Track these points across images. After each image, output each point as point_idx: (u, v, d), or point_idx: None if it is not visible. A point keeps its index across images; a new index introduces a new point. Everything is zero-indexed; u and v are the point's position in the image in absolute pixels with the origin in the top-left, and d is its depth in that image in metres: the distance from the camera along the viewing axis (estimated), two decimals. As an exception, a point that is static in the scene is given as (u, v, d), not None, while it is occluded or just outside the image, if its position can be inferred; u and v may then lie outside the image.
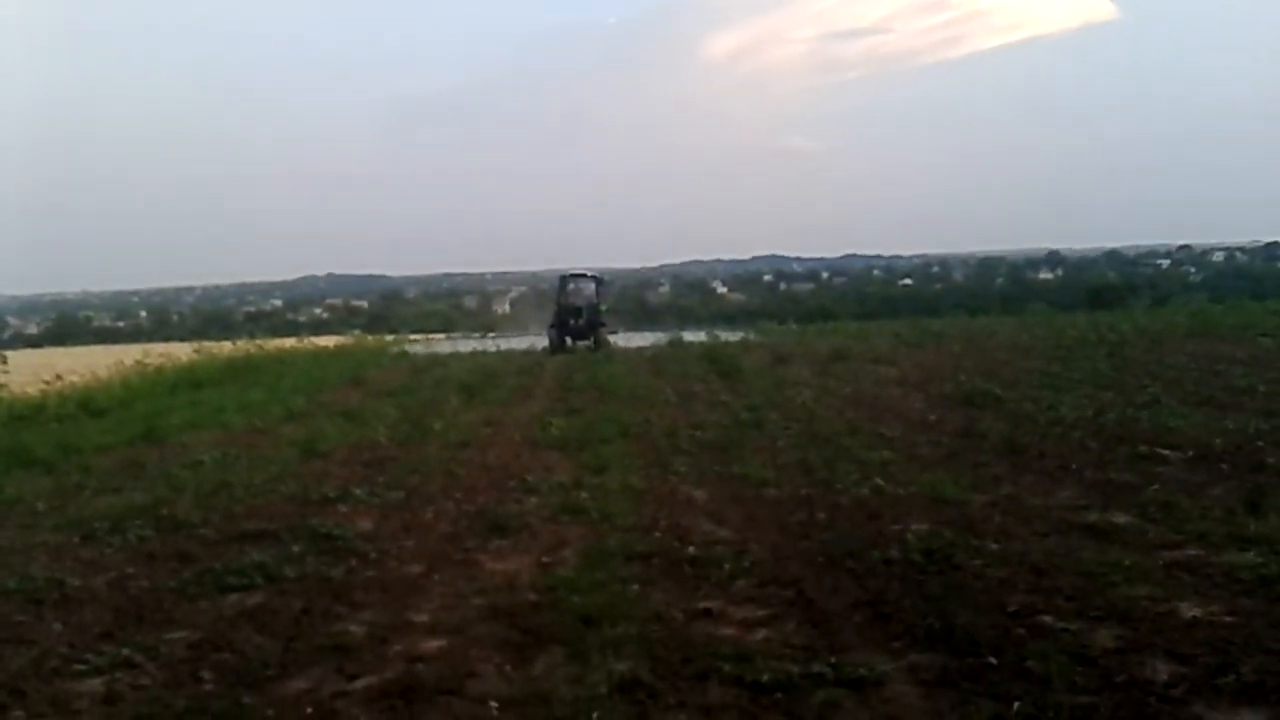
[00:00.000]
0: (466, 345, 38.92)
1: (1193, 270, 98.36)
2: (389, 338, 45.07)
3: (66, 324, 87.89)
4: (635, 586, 7.05)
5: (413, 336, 46.17)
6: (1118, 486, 9.66)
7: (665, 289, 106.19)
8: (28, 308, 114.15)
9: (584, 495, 10.07)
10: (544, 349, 34.03)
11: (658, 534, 8.54)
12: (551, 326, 35.95)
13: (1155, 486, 9.48)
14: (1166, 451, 10.97)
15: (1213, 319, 32.69)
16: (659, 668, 5.55)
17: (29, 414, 17.73)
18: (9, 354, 19.81)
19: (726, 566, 7.47)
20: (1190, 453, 10.91)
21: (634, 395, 18.51)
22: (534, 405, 18.37)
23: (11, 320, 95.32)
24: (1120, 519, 8.45)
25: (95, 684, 5.71)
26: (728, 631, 6.20)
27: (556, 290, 38.14)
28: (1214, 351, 22.30)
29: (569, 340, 34.92)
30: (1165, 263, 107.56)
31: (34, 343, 64.32)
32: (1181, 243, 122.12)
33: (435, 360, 30.85)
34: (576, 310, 35.56)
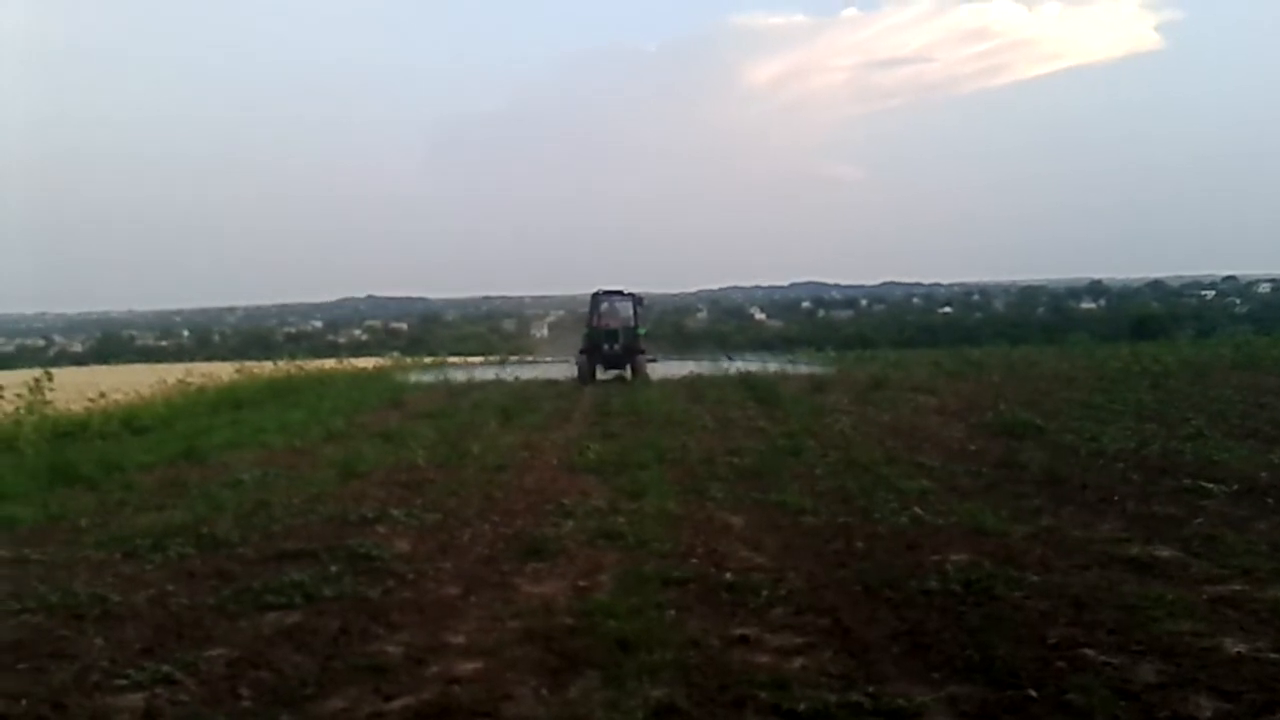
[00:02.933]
0: (489, 373, 33.28)
1: (1238, 301, 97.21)
2: (427, 360, 45.20)
3: (111, 342, 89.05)
4: (672, 612, 7.03)
5: (452, 359, 46.16)
6: (1161, 520, 9.55)
7: (703, 315, 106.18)
8: (73, 326, 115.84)
9: (620, 520, 10.06)
10: (574, 379, 30.22)
11: (694, 560, 8.51)
12: (581, 353, 31.32)
13: (1199, 520, 9.37)
14: (1210, 485, 10.83)
15: (1258, 351, 32.36)
16: (695, 694, 5.52)
17: (73, 431, 17.92)
18: (54, 371, 20.01)
19: (764, 594, 7.43)
20: (1235, 486, 10.77)
21: (671, 421, 18.50)
22: (571, 429, 18.39)
23: (57, 338, 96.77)
24: (1163, 553, 8.35)
25: (136, 699, 5.75)
26: (764, 659, 6.16)
27: (588, 311, 32.91)
28: (1259, 384, 22.08)
29: (601, 369, 30.86)
30: (1210, 294, 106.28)
31: (79, 360, 65.13)
32: (1227, 273, 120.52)
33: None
34: (611, 334, 30.79)
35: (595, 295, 32.66)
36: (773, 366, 32.54)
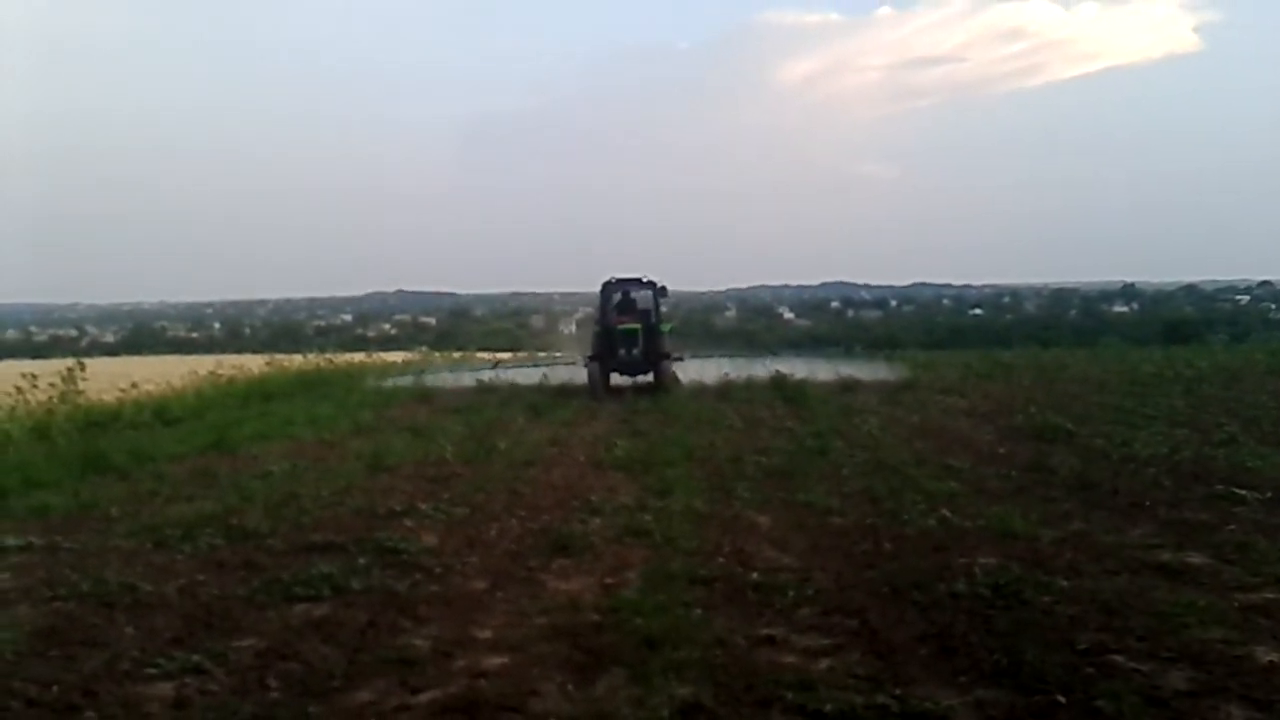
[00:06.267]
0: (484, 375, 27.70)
1: (1273, 307, 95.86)
2: (449, 355, 45.01)
3: (142, 333, 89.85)
4: (698, 611, 7.02)
5: (479, 355, 45.98)
6: (1193, 526, 9.45)
7: (731, 313, 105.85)
8: (105, 316, 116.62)
9: (647, 518, 10.05)
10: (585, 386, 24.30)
11: (721, 559, 8.51)
12: (591, 358, 24.83)
13: (1232, 527, 9.26)
14: (1243, 492, 10.70)
15: (1293, 357, 31.93)
16: (721, 693, 5.52)
17: (105, 421, 18.13)
18: (87, 361, 20.22)
19: (790, 594, 7.41)
20: (1268, 493, 10.63)
21: (698, 419, 18.45)
22: (598, 426, 18.40)
23: (89, 329, 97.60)
24: (1195, 559, 8.25)
25: (165, 688, 5.81)
26: (791, 659, 6.15)
27: (599, 304, 26.10)
28: (1294, 390, 21.77)
29: (616, 376, 25.11)
30: (1245, 298, 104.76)
31: (111, 351, 65.63)
32: (1262, 278, 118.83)
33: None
34: (629, 335, 24.44)
35: (605, 285, 25.57)
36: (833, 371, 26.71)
